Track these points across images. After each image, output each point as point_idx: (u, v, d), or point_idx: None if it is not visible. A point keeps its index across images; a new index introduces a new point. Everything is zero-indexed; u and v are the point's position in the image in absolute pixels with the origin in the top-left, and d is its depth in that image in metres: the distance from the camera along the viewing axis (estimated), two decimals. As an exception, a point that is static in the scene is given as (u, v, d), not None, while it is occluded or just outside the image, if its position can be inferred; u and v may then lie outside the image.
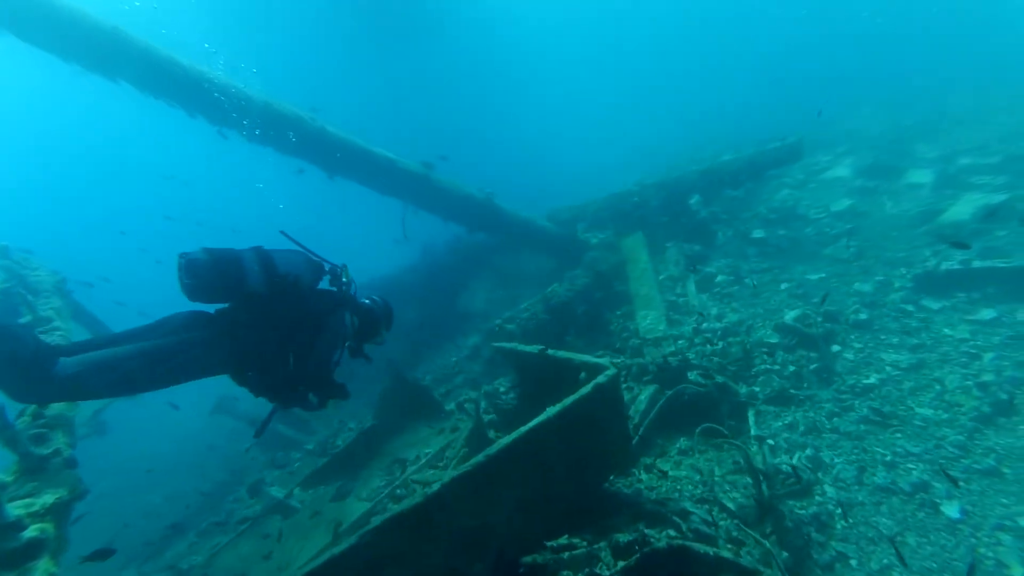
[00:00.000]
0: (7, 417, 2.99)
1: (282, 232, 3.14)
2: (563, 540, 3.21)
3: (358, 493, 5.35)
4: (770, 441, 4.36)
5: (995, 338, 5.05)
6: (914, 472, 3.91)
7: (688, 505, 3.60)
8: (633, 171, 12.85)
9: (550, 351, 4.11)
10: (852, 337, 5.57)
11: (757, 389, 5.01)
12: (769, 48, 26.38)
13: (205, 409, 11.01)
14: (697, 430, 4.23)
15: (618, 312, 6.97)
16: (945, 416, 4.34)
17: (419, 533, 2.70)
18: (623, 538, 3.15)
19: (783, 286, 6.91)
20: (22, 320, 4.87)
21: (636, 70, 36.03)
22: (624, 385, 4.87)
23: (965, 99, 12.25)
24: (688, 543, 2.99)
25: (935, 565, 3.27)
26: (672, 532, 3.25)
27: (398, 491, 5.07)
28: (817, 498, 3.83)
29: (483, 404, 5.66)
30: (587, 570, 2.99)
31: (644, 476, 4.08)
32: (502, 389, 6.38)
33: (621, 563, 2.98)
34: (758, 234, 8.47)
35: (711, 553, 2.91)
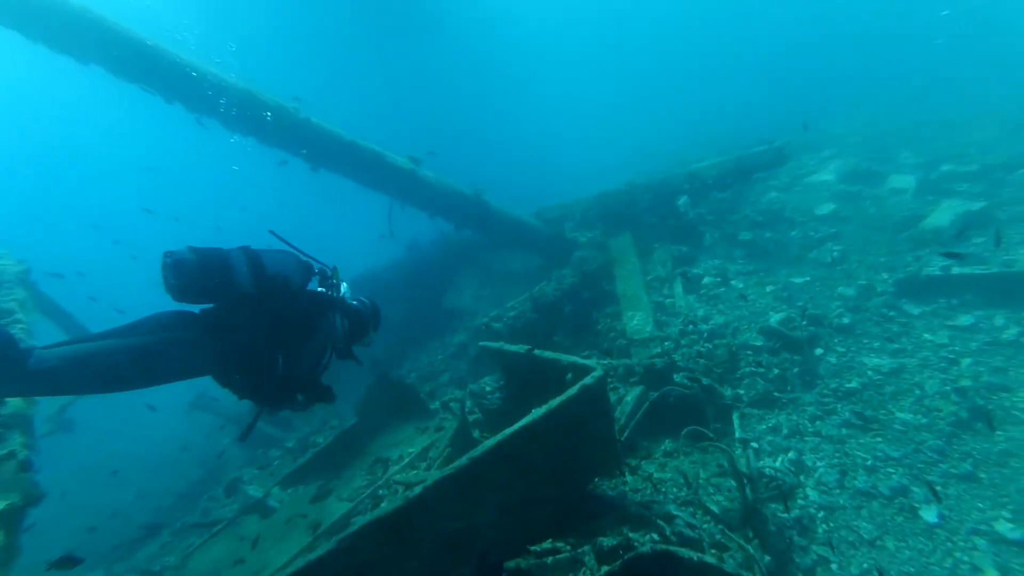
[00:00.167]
0: None
1: (271, 232, 3.07)
2: (547, 544, 3.17)
3: (339, 493, 5.25)
4: (754, 444, 4.38)
5: (973, 344, 5.15)
6: (894, 476, 3.96)
7: (672, 508, 3.59)
8: (632, 171, 12.84)
9: (537, 351, 4.07)
10: (835, 341, 5.63)
11: (742, 392, 5.03)
12: (769, 48, 26.52)
13: (180, 407, 10.73)
14: (683, 432, 4.23)
15: (605, 312, 6.95)
16: (924, 421, 4.40)
17: (399, 538, 2.64)
18: (607, 542, 3.13)
19: (768, 289, 6.97)
20: None
21: (636, 70, 36.12)
22: (610, 386, 4.85)
23: (957, 102, 12.43)
24: (672, 548, 2.98)
25: (913, 569, 3.31)
26: (656, 536, 3.24)
27: (380, 491, 4.98)
28: (799, 501, 3.85)
29: (468, 403, 5.59)
30: (571, 575, 2.96)
31: (629, 478, 4.07)
32: (488, 388, 6.32)
33: (605, 568, 2.95)
34: (745, 236, 8.53)
35: (695, 558, 2.90)
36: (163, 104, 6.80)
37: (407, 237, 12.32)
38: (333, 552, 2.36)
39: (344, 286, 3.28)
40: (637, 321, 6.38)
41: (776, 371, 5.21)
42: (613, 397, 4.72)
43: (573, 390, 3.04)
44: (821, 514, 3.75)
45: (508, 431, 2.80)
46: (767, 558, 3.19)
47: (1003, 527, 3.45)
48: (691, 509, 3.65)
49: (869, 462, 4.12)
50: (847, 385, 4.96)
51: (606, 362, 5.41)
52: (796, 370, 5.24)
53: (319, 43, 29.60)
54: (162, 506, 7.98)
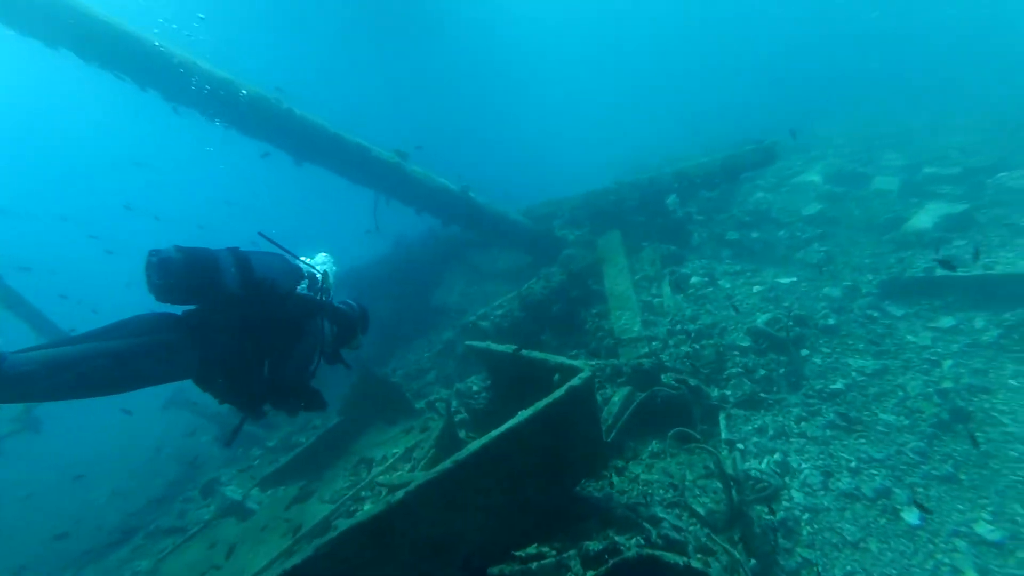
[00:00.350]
0: None
1: (260, 233, 3.01)
2: (532, 549, 3.12)
3: (321, 495, 5.14)
4: (740, 446, 4.38)
5: (954, 345, 5.21)
6: (877, 478, 3.98)
7: (659, 510, 3.56)
8: (632, 169, 12.79)
9: (524, 351, 4.01)
10: (821, 342, 5.66)
11: (728, 392, 5.03)
12: (769, 48, 26.53)
13: (155, 405, 10.40)
14: (669, 434, 4.21)
15: (593, 311, 6.91)
16: (907, 422, 4.44)
17: (381, 543, 2.56)
18: (593, 547, 3.09)
19: (756, 289, 6.99)
20: None
21: (635, 70, 36.11)
22: (597, 386, 4.81)
23: (955, 103, 12.53)
24: (658, 552, 2.95)
25: (895, 571, 3.32)
26: (642, 539, 3.20)
27: (363, 493, 4.89)
28: (784, 503, 3.85)
29: (455, 403, 5.51)
30: (556, 581, 2.91)
31: (616, 479, 4.04)
32: (475, 388, 6.25)
33: (591, 573, 2.92)
34: (732, 236, 8.57)
35: (680, 563, 2.87)
36: (141, 95, 6.56)
37: (394, 232, 12.16)
38: (311, 559, 2.30)
39: (332, 291, 3.22)
40: (625, 320, 6.35)
41: (762, 372, 5.22)
42: (600, 397, 4.68)
43: (560, 391, 2.99)
44: (806, 516, 3.76)
45: (494, 433, 2.74)
46: (752, 561, 3.18)
47: (983, 528, 3.48)
48: (677, 511, 3.63)
49: (853, 464, 4.14)
50: (832, 386, 4.99)
51: (594, 363, 5.37)
52: (782, 371, 5.25)
53: (313, 37, 29.15)
54: (135, 508, 7.72)
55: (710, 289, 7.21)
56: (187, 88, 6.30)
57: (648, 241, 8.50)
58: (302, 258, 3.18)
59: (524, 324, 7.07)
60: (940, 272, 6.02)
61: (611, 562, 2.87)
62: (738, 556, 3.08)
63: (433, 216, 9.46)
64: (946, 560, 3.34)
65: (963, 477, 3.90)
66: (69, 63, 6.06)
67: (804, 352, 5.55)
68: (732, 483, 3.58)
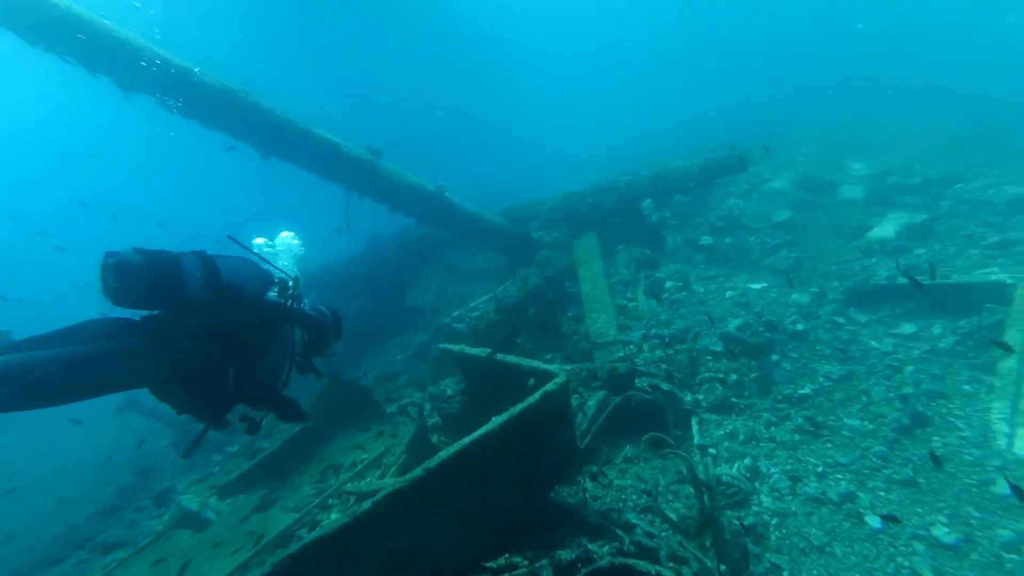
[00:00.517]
0: None
1: (229, 237, 2.88)
2: (502, 560, 3.03)
3: (284, 503, 4.93)
4: (712, 450, 4.41)
5: (915, 352, 5.39)
6: (842, 483, 4.06)
7: (632, 517, 3.54)
8: (620, 171, 12.77)
9: (499, 355, 3.94)
10: (790, 347, 5.78)
11: (701, 397, 5.08)
12: (769, 48, 26.83)
13: (106, 410, 9.80)
14: (643, 439, 4.20)
15: (569, 314, 6.89)
16: (870, 427, 4.56)
17: (346, 555, 2.44)
18: (566, 555, 3.02)
19: (728, 294, 7.11)
20: None
21: (635, 69, 36.15)
22: (573, 391, 4.77)
23: (953, 103, 12.84)
24: (630, 561, 2.91)
25: (858, 575, 3.39)
26: (615, 547, 3.17)
27: (330, 501, 4.71)
28: (754, 508, 3.89)
29: (427, 407, 5.38)
30: (527, 593, 2.84)
31: (589, 484, 4.00)
32: (448, 391, 6.13)
33: (563, 583, 2.86)
34: (706, 241, 8.70)
35: (653, 572, 2.84)
36: (93, 81, 6.15)
37: (367, 229, 11.86)
38: (269, 575, 2.17)
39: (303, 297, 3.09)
40: (600, 324, 6.34)
41: (734, 376, 5.29)
42: (575, 402, 4.65)
43: (535, 397, 2.93)
44: (774, 521, 3.80)
45: (466, 440, 2.66)
46: (723, 567, 3.18)
47: (939, 531, 3.59)
48: (650, 517, 3.62)
49: (820, 468, 4.22)
50: (800, 391, 5.09)
51: (569, 367, 5.33)
52: (754, 375, 5.33)
53: (285, 32, 28.30)
54: (82, 519, 7.21)
55: (684, 294, 7.29)
56: (144, 76, 5.95)
57: (624, 244, 8.55)
58: (273, 262, 3.04)
59: (500, 327, 7.00)
60: (901, 280, 6.24)
61: (584, 572, 2.81)
62: (709, 564, 3.08)
63: (407, 215, 9.28)
64: (906, 563, 3.42)
65: (922, 481, 4.03)
66: (9, 43, 5.62)
67: (774, 357, 5.66)
68: (704, 488, 3.58)
